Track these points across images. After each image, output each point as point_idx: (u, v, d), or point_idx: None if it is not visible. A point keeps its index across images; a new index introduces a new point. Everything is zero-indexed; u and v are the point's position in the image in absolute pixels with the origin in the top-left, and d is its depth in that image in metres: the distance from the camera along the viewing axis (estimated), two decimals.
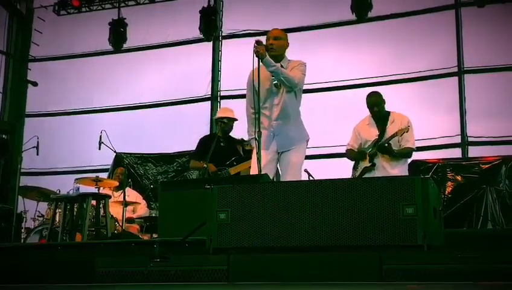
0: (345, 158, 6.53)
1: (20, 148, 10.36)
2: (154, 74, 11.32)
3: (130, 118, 11.28)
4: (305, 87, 5.66)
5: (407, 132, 5.84)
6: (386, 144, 5.92)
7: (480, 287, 2.52)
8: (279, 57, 5.33)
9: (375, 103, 6.14)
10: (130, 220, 8.03)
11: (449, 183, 7.41)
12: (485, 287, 2.50)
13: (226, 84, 10.81)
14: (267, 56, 5.11)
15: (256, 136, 5.01)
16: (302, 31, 10.29)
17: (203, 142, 7.04)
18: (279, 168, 5.51)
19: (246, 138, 6.07)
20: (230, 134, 6.98)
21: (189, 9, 10.84)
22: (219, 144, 6.78)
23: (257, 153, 4.99)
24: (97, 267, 3.34)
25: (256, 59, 5.11)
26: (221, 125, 6.87)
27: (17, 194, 8.31)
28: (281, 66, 5.28)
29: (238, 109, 6.78)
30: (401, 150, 5.97)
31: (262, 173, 4.90)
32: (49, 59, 12.03)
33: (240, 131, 6.78)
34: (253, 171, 5.23)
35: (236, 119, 6.90)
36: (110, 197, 7.37)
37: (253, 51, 5.08)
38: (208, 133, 9.88)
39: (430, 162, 7.62)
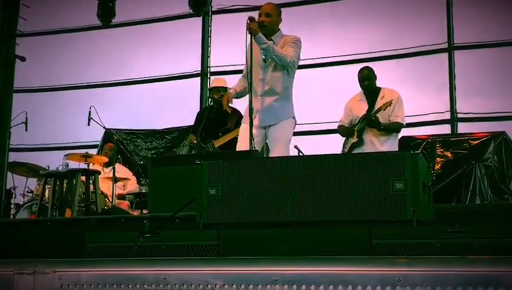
0: (336, 134, 6.55)
1: (8, 124, 10.27)
2: (144, 50, 11.23)
3: (119, 93, 11.22)
4: None
5: (389, 105, 5.84)
6: (374, 117, 5.92)
7: (469, 260, 2.54)
8: (271, 32, 5.30)
9: (366, 77, 6.15)
10: (120, 197, 8.03)
11: (438, 159, 7.43)
12: (473, 260, 2.52)
13: (216, 60, 10.75)
14: (260, 33, 5.10)
15: (249, 113, 5.03)
16: (293, 6, 10.21)
17: (198, 115, 7.00)
18: (268, 144, 5.51)
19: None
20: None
21: None
22: (210, 115, 6.73)
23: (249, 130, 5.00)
24: (87, 243, 3.33)
25: (249, 36, 5.11)
26: (217, 97, 6.74)
27: (6, 170, 8.29)
28: (273, 41, 5.25)
29: (228, 84, 6.76)
30: (388, 124, 5.97)
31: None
32: (37, 34, 11.89)
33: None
34: (243, 146, 5.22)
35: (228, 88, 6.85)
36: (99, 173, 7.36)
37: (246, 27, 5.07)
38: (198, 109, 9.84)
39: (420, 138, 7.64)
